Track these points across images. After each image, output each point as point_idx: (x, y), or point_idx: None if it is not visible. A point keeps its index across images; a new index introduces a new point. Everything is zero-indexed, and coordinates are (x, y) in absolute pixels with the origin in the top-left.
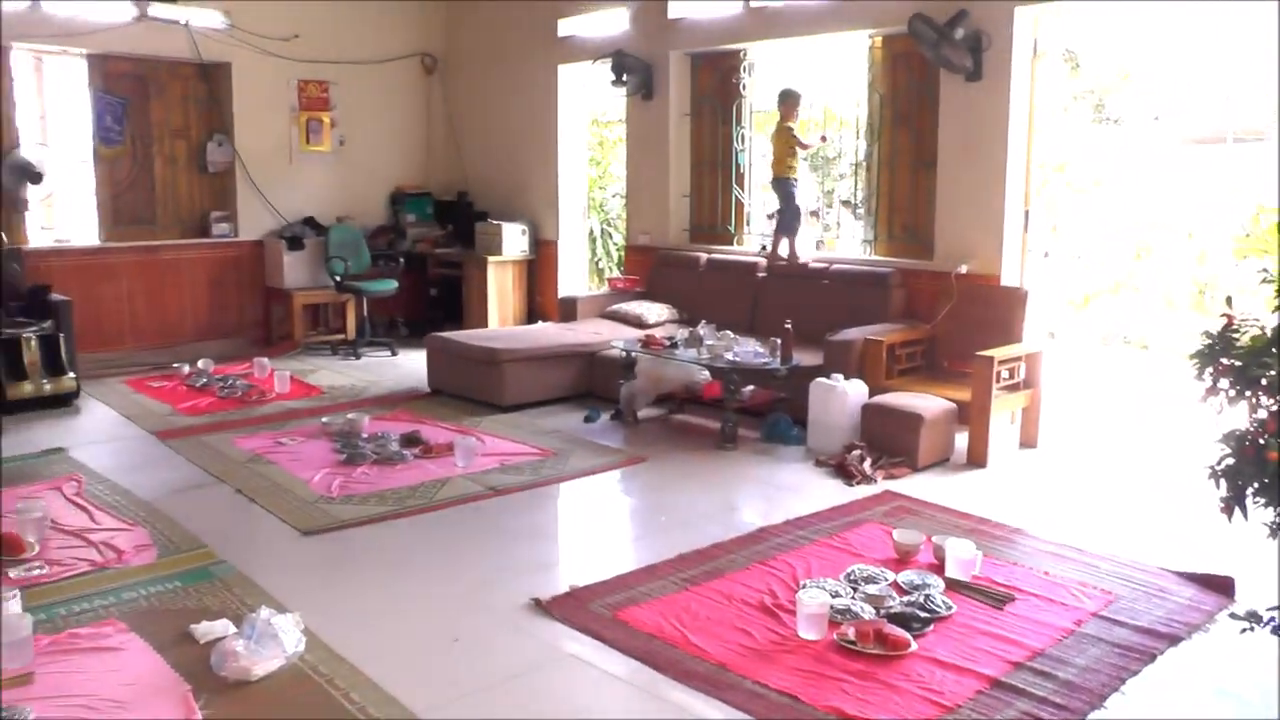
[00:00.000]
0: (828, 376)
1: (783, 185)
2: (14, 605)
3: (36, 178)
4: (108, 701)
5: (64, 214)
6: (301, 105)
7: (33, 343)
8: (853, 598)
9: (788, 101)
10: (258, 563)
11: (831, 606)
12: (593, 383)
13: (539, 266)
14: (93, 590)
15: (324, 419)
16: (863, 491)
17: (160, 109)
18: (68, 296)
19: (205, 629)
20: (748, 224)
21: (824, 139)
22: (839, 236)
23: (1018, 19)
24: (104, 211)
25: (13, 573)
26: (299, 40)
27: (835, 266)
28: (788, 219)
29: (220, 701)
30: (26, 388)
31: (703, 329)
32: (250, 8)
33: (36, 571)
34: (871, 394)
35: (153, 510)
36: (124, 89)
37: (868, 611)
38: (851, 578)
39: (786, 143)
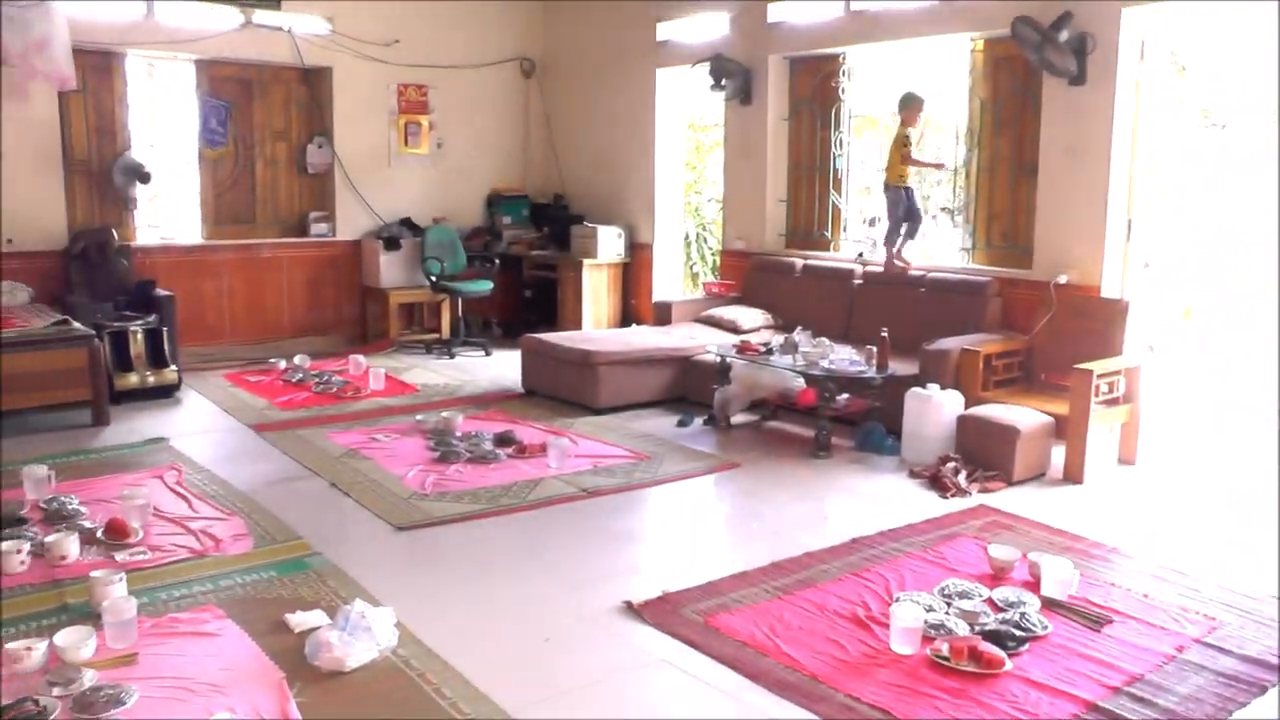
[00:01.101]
0: (923, 386)
1: (896, 193)
2: (120, 588)
3: (145, 178)
4: (206, 685)
5: (169, 212)
6: (401, 109)
7: (139, 336)
8: (947, 613)
9: (910, 106)
10: (352, 556)
11: (925, 621)
12: (687, 387)
13: (634, 270)
14: (192, 576)
15: (418, 416)
16: (957, 505)
17: (263, 112)
18: (171, 292)
19: (300, 619)
20: (844, 230)
21: (940, 166)
22: (937, 244)
23: (1125, 20)
24: (206, 210)
25: (118, 556)
26: (399, 45)
27: (932, 274)
28: (910, 222)
29: (313, 690)
30: (132, 379)
31: (798, 335)
32: (352, 13)
33: (140, 556)
34: (967, 405)
35: (249, 501)
36: (229, 93)
37: (962, 628)
38: (945, 592)
39: (904, 148)
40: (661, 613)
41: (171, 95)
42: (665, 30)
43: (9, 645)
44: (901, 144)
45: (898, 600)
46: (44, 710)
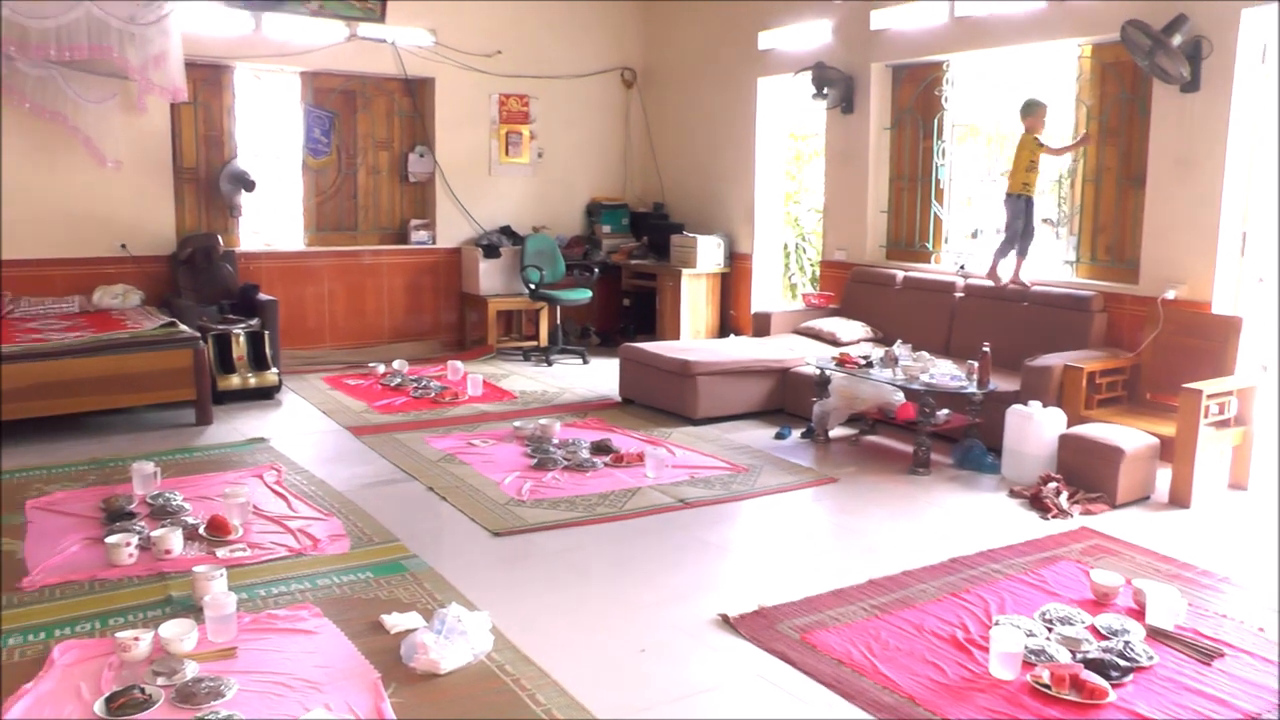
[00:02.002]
0: (1024, 404)
1: (1018, 202)
2: (221, 583)
3: (250, 186)
4: (302, 681)
5: (272, 219)
6: (502, 119)
7: (241, 338)
8: (1047, 638)
9: (1034, 112)
10: (448, 560)
11: (1026, 646)
12: (785, 399)
13: (733, 280)
14: (290, 575)
15: (516, 423)
16: (1058, 526)
17: (366, 122)
18: (274, 296)
19: (395, 620)
20: (945, 241)
21: (1085, 140)
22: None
23: (1245, 21)
24: (309, 217)
25: (219, 553)
26: (501, 56)
27: (1034, 288)
28: (1022, 238)
29: (408, 691)
30: (234, 380)
31: (898, 349)
32: (455, 25)
33: (240, 553)
34: (1069, 424)
35: (347, 502)
36: (333, 103)
37: (1063, 654)
38: (1046, 617)
39: (1031, 155)
40: (758, 627)
41: (277, 106)
42: (767, 39)
43: (118, 634)
44: (1033, 147)
45: (997, 623)
46: (149, 698)
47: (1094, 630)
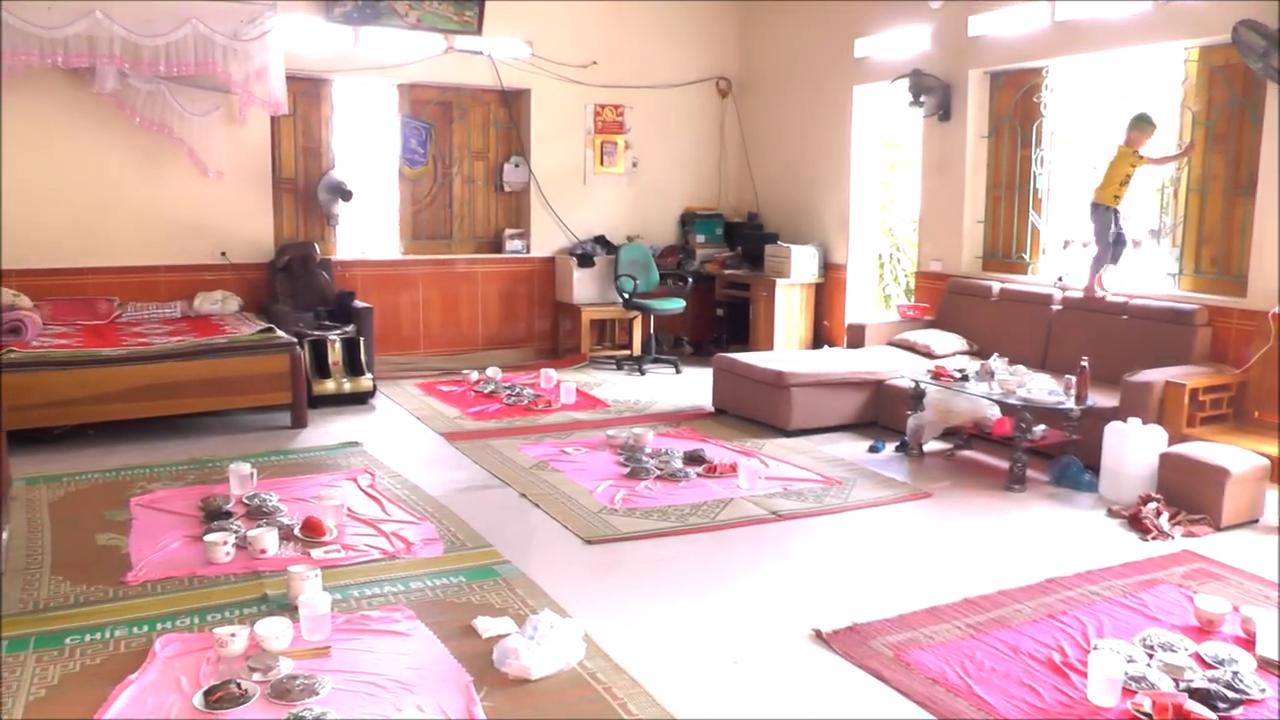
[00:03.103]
0: (1124, 420)
1: (1106, 213)
2: (315, 583)
3: (347, 195)
4: (395, 682)
5: (369, 228)
6: (597, 129)
7: (337, 344)
8: (1149, 665)
9: (1141, 128)
10: (540, 566)
11: (1126, 673)
12: (879, 412)
13: (826, 290)
14: (383, 577)
15: (609, 432)
16: (1158, 549)
17: (462, 132)
18: (369, 303)
19: (488, 625)
20: (1043, 252)
21: (1188, 150)
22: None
23: None
24: (404, 226)
25: (314, 553)
26: (596, 66)
27: (1135, 301)
28: (1115, 246)
29: (499, 696)
30: (329, 385)
31: (994, 362)
32: (551, 36)
33: (334, 554)
34: (1171, 442)
35: (440, 507)
36: (429, 114)
37: (1165, 682)
38: (1147, 643)
39: (1128, 169)
40: (851, 643)
41: (374, 117)
42: (863, 46)
43: (216, 630)
44: (1129, 162)
45: (1096, 648)
46: (246, 693)
47: (1198, 658)
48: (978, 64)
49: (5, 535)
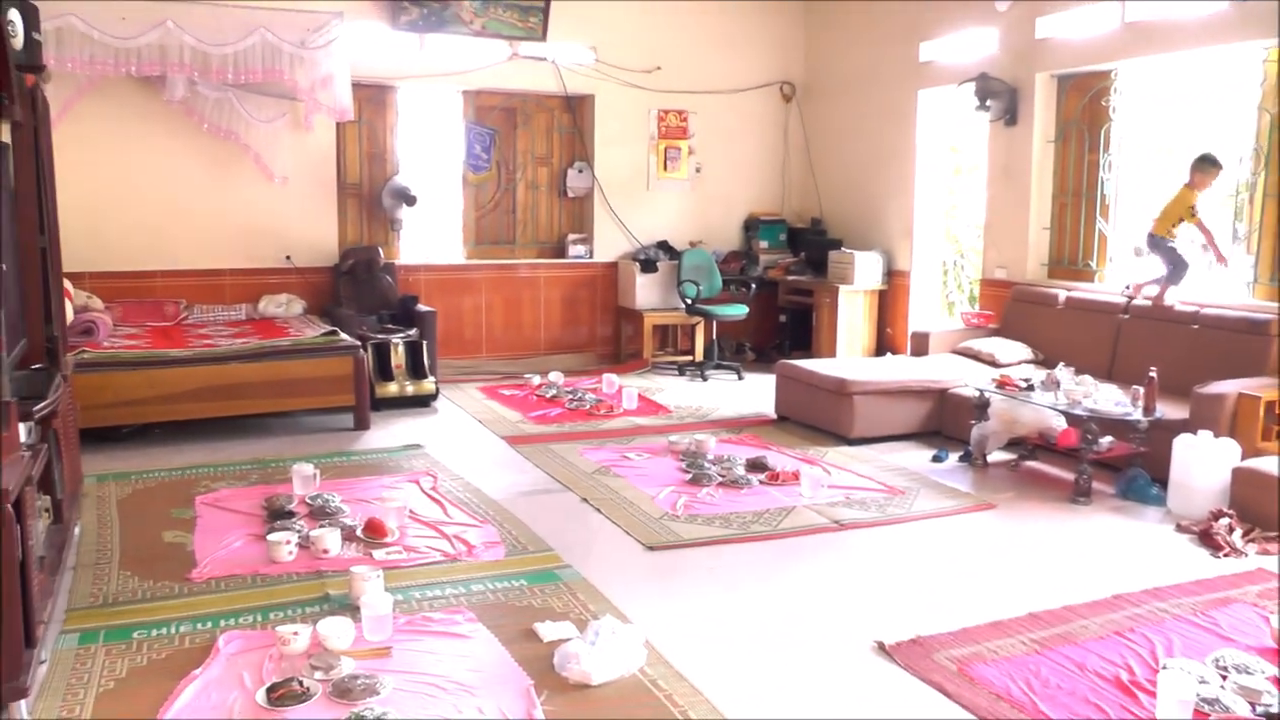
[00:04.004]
0: (1194, 433)
1: (1163, 242)
2: (377, 584)
3: (411, 200)
4: (455, 684)
5: (432, 233)
6: (660, 134)
7: (400, 347)
8: (1222, 687)
9: (1205, 169)
10: (601, 571)
11: (1198, 694)
12: (942, 421)
13: (890, 297)
14: (444, 579)
15: (671, 438)
16: (1231, 566)
17: (526, 138)
18: (432, 307)
19: (549, 629)
20: (1110, 260)
21: (1221, 260)
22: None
23: None
24: (468, 231)
25: (376, 554)
26: (660, 71)
27: (1206, 310)
28: (1175, 270)
29: (560, 700)
30: (392, 388)
31: (1060, 372)
32: (615, 42)
33: (396, 556)
34: (1244, 456)
35: (501, 510)
36: (494, 120)
37: (1241, 706)
38: (1220, 664)
39: (1183, 215)
40: (914, 656)
41: (439, 123)
42: (928, 50)
43: (279, 628)
44: (1189, 210)
45: (1165, 667)
46: (308, 691)
47: (1276, 682)
48: (1045, 67)
49: (77, 530)
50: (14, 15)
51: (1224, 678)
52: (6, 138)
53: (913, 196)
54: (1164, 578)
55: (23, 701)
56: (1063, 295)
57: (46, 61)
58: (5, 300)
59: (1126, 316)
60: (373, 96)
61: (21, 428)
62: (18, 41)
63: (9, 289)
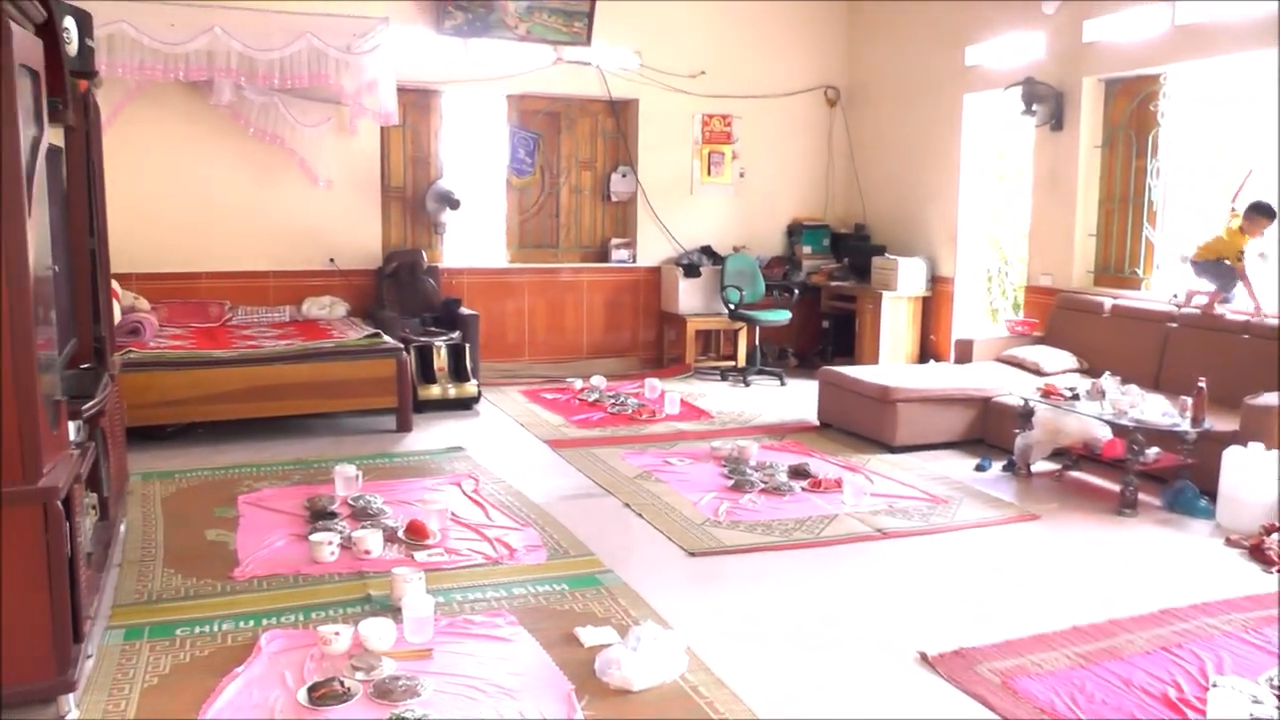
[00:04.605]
0: (1244, 445)
1: (1205, 266)
2: (419, 586)
3: (455, 204)
4: (496, 687)
5: (476, 236)
6: (704, 139)
7: (442, 350)
8: (1278, 707)
9: (1255, 219)
10: (643, 577)
11: (1251, 714)
12: (986, 430)
13: (933, 304)
14: (486, 582)
15: (713, 444)
16: None
17: (569, 142)
18: (475, 311)
19: (590, 634)
20: (1157, 268)
21: (1258, 312)
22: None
23: None
24: (511, 235)
25: (418, 556)
26: (704, 76)
27: (1257, 320)
28: (1226, 282)
29: (601, 705)
30: (434, 390)
31: (1106, 381)
32: (660, 46)
33: (437, 558)
34: None
35: (543, 513)
36: (537, 124)
37: None
38: (1274, 683)
39: (1232, 255)
40: (957, 668)
41: (483, 127)
42: (974, 54)
43: (320, 628)
44: (1236, 254)
45: (1215, 685)
46: (349, 691)
47: None
48: (1092, 71)
49: (123, 528)
50: (69, 22)
51: (1279, 698)
52: (60, 142)
53: (957, 202)
54: (1213, 593)
55: (71, 695)
56: (1109, 303)
57: (98, 67)
58: (56, 300)
59: (1175, 325)
60: (417, 101)
61: (71, 426)
62: (72, 48)
63: (60, 289)
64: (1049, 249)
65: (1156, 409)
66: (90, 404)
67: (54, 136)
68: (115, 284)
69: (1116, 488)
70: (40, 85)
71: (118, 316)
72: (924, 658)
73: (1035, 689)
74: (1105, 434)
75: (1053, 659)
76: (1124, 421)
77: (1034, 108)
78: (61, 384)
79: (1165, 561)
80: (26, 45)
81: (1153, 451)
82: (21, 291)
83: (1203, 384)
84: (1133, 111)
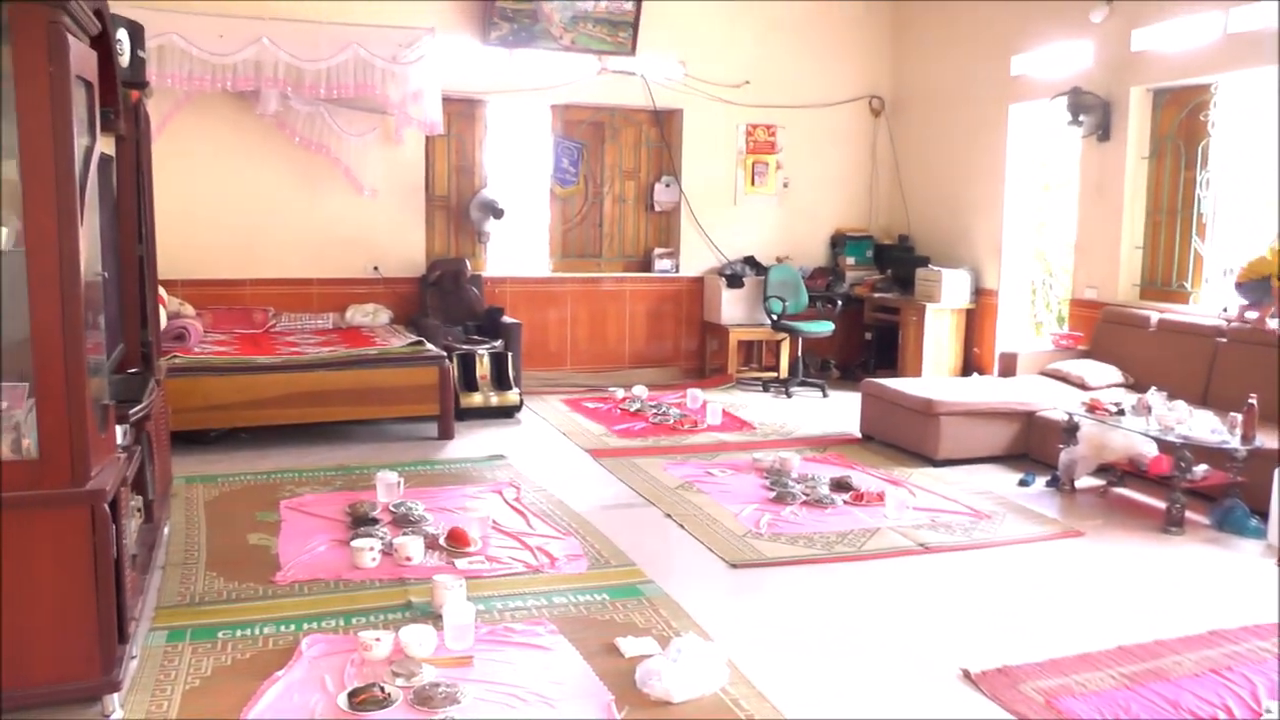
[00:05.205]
0: None
1: (1252, 286)
2: (460, 593)
3: (499, 213)
4: (535, 695)
5: (519, 245)
6: (748, 148)
7: (485, 359)
8: None
9: None
10: (684, 588)
11: None
12: (1029, 444)
13: (977, 316)
14: (526, 590)
15: (755, 455)
16: None
17: (613, 152)
18: (517, 319)
19: (631, 644)
20: (1206, 281)
21: None
22: None
23: None
24: (554, 244)
25: (458, 564)
26: (749, 86)
27: None
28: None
29: (641, 716)
30: (476, 398)
31: (1152, 397)
32: (704, 56)
33: (478, 565)
34: None
35: (584, 523)
36: (581, 134)
37: None
38: None
39: (1270, 275)
40: (1000, 686)
41: (527, 137)
42: (1020, 64)
43: (361, 634)
44: (1275, 276)
45: (1269, 712)
46: (389, 697)
47: None
48: (1140, 80)
49: (166, 530)
50: (122, 34)
51: None
52: (111, 150)
53: (1002, 213)
54: (1265, 615)
55: (115, 695)
56: (1155, 317)
57: (149, 77)
58: (105, 306)
59: (1224, 340)
60: (462, 110)
61: (118, 430)
62: (124, 59)
63: (109, 295)
64: (1095, 261)
65: (1205, 425)
66: (137, 408)
67: (105, 145)
68: (161, 290)
69: (1163, 505)
70: (94, 95)
71: (164, 322)
72: (967, 675)
73: (1080, 709)
74: (1151, 450)
75: (1098, 679)
76: (1171, 438)
77: (1080, 118)
78: (109, 388)
79: (1214, 581)
80: (82, 57)
81: (1201, 469)
82: (73, 297)
83: (1253, 400)
84: (1182, 121)
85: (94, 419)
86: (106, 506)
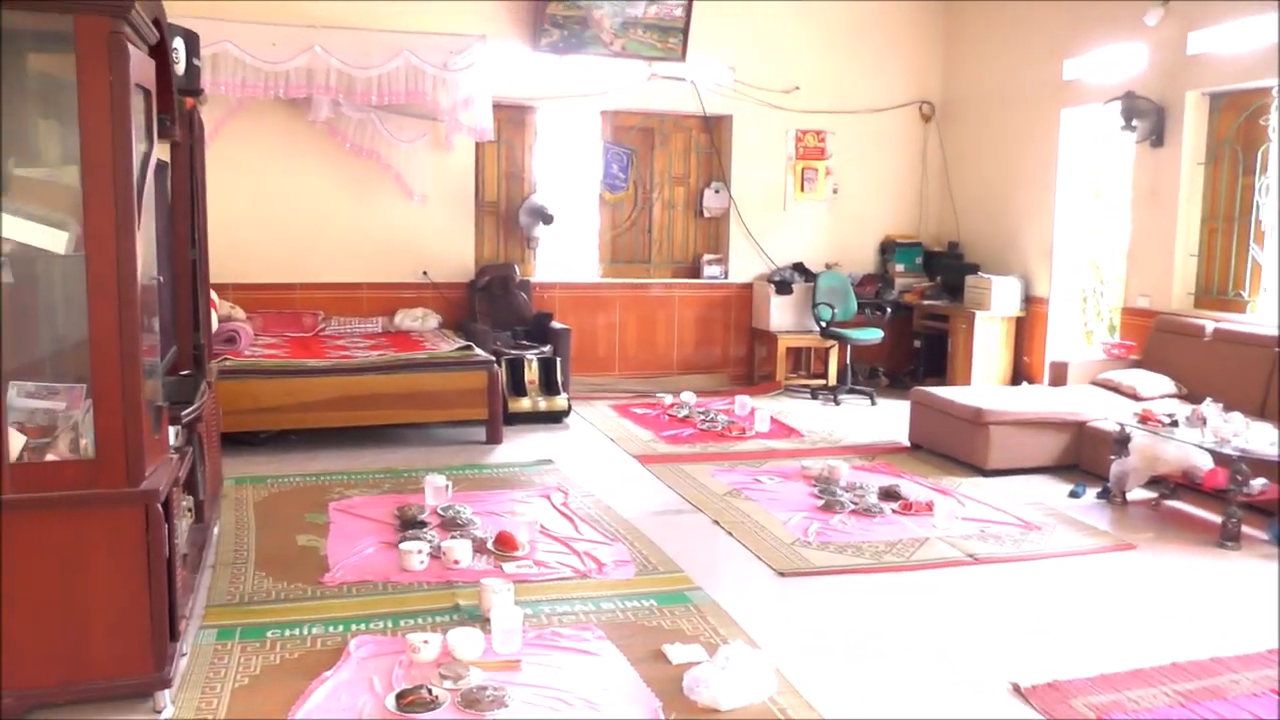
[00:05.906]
0: None
1: None
2: (507, 597)
3: (548, 219)
4: (582, 700)
5: (568, 251)
6: (798, 154)
7: (533, 363)
8: None
9: None
10: (732, 595)
11: None
12: (1080, 455)
13: (1027, 324)
14: (574, 595)
15: (803, 463)
16: None
17: (663, 158)
18: (566, 324)
19: (678, 651)
20: (1263, 290)
21: None
22: None
23: None
24: (603, 250)
25: (506, 568)
26: (799, 92)
27: None
28: None
29: None
30: (525, 403)
31: (1207, 408)
32: (754, 62)
33: (526, 569)
34: None
35: (632, 528)
36: (631, 140)
37: None
38: None
39: None
40: (1051, 700)
41: (577, 143)
42: (1072, 68)
43: (409, 636)
44: None
45: None
46: (437, 699)
47: None
48: (1196, 85)
49: (216, 530)
50: (178, 43)
51: None
52: (166, 156)
53: (1053, 220)
54: None
55: (166, 692)
56: (1210, 326)
57: (203, 85)
58: (159, 309)
59: None
60: (512, 116)
61: (170, 431)
62: (180, 67)
63: (163, 299)
64: (1148, 269)
65: (1263, 438)
66: (189, 410)
67: (161, 151)
68: (213, 293)
69: (1218, 519)
70: (152, 103)
71: (215, 325)
72: (1016, 689)
73: None
74: (1206, 463)
75: (1151, 696)
76: (1227, 450)
77: (1134, 123)
78: (163, 390)
79: (1272, 598)
80: (141, 65)
81: (1259, 483)
82: (130, 301)
83: None
84: (1239, 126)
85: (148, 420)
86: (160, 506)
